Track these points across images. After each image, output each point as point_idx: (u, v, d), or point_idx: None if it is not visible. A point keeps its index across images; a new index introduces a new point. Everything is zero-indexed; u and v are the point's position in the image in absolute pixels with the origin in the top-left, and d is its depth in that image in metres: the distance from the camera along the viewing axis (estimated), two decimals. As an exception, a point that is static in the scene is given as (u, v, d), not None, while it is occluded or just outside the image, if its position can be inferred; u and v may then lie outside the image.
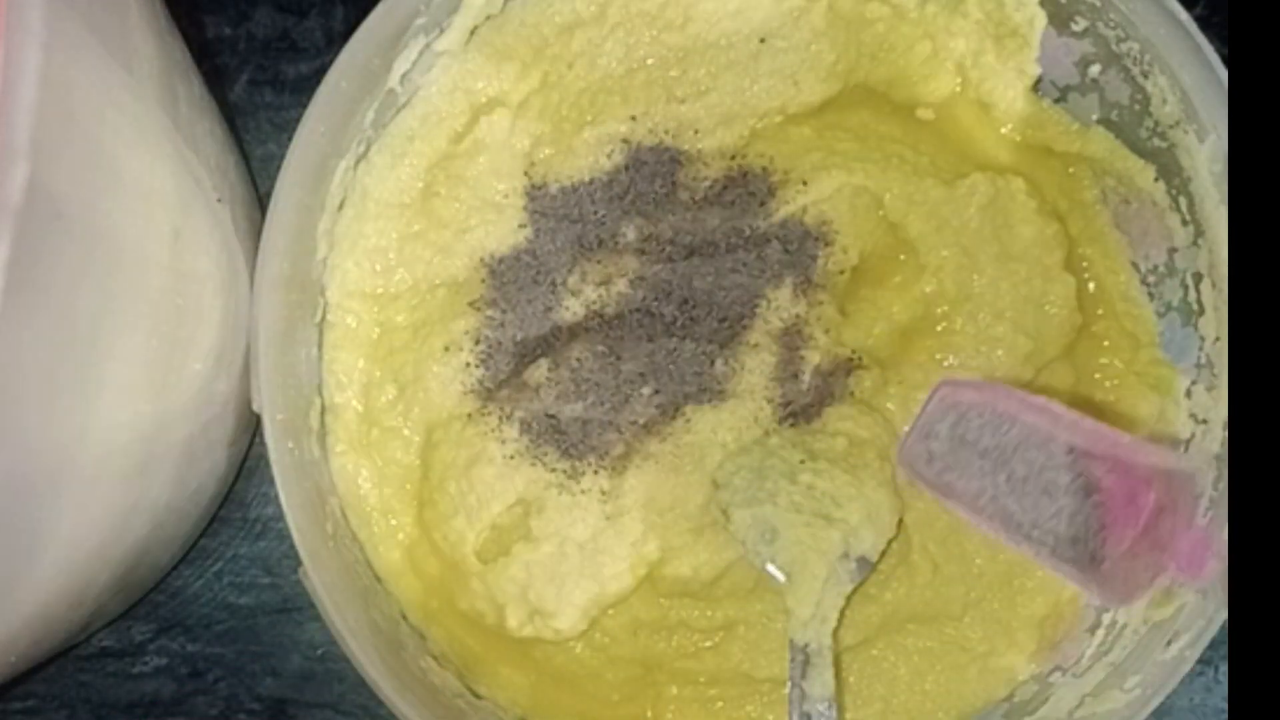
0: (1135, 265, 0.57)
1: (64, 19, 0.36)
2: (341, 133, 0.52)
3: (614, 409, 0.54)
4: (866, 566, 0.53)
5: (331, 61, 0.50)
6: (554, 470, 0.54)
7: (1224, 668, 0.61)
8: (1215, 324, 0.53)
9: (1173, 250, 0.55)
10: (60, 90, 0.36)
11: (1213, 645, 0.49)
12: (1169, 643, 0.50)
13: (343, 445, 0.55)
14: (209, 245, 0.49)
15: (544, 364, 0.54)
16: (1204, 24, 0.49)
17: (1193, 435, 0.54)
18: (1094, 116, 0.56)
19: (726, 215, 0.55)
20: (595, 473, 0.54)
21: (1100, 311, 0.57)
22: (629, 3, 0.55)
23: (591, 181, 0.55)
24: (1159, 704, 0.50)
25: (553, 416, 0.54)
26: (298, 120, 0.50)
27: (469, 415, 0.54)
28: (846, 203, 0.55)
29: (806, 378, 0.54)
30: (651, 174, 0.55)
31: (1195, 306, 0.54)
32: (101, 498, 0.44)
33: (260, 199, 0.59)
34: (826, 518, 0.52)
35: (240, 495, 0.61)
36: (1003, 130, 0.57)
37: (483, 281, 0.55)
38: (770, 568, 0.52)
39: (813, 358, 0.54)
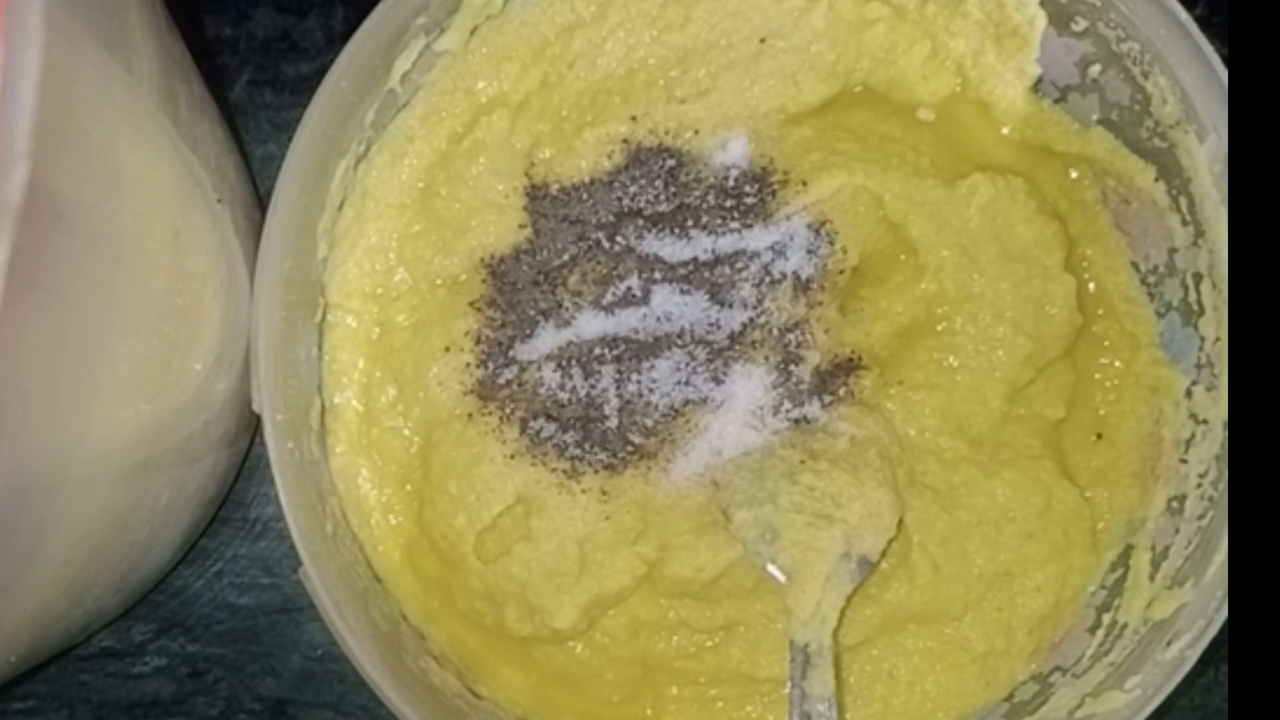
0: (1135, 265, 0.56)
1: (64, 19, 0.36)
2: (341, 133, 0.52)
3: (613, 409, 0.54)
4: (867, 566, 0.53)
5: (331, 61, 0.50)
6: (554, 470, 0.54)
7: (1224, 668, 0.61)
8: (1215, 324, 0.53)
9: (1173, 250, 0.55)
10: (60, 90, 0.36)
11: (1213, 645, 0.49)
12: (1169, 643, 0.50)
13: (343, 445, 0.55)
14: (209, 245, 0.49)
15: (544, 364, 0.54)
16: (1204, 24, 0.49)
17: (1193, 435, 0.54)
18: (1094, 116, 0.55)
19: (726, 216, 0.55)
20: (595, 472, 0.54)
21: (1100, 311, 0.57)
22: (629, 3, 0.55)
23: (591, 182, 0.55)
24: (1159, 704, 0.50)
25: (553, 417, 0.54)
26: (298, 120, 0.50)
27: (469, 415, 0.54)
28: (847, 203, 0.55)
29: (806, 378, 0.54)
30: (651, 174, 0.55)
31: (1195, 307, 0.54)
32: (101, 498, 0.44)
33: (260, 199, 0.59)
34: (827, 518, 0.52)
35: (240, 495, 0.61)
36: (1003, 130, 0.57)
37: (483, 281, 0.55)
38: (771, 568, 0.52)
39: (813, 358, 0.54)
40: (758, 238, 0.55)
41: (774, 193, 0.55)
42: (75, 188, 0.37)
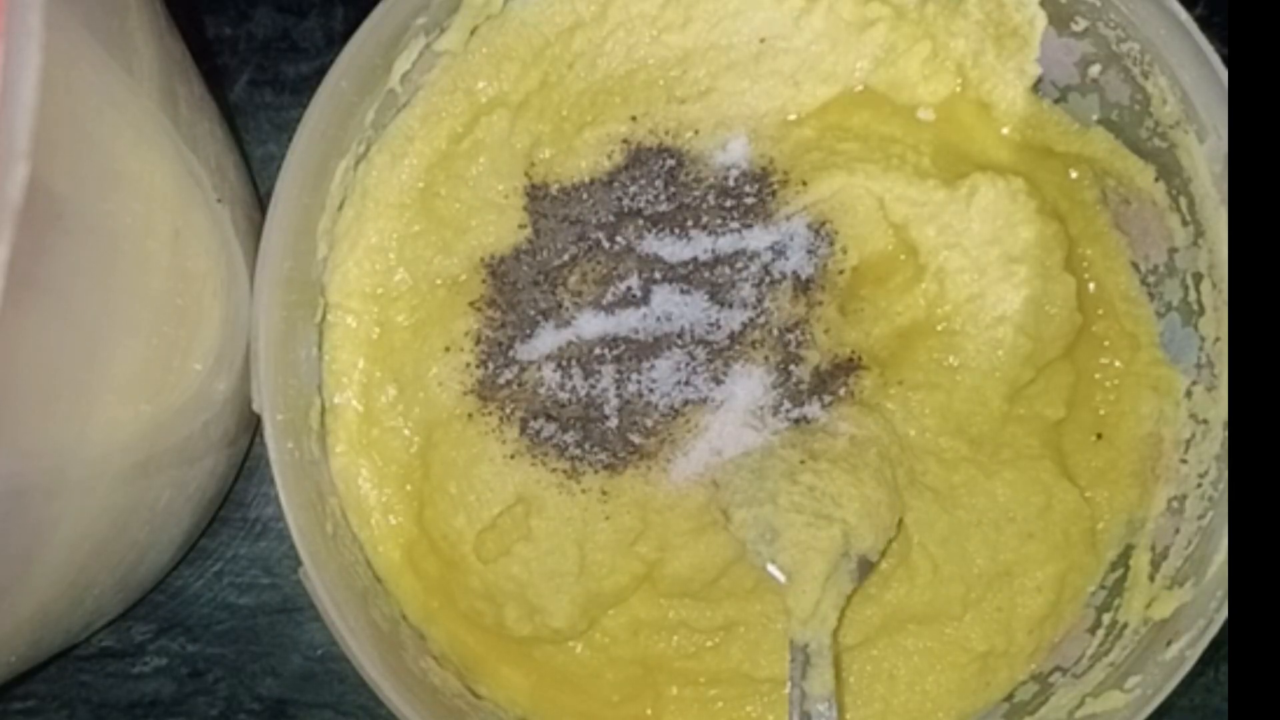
0: (1135, 265, 0.56)
1: (64, 19, 0.36)
2: (341, 133, 0.52)
3: (613, 409, 0.54)
4: (867, 566, 0.53)
5: (331, 61, 0.50)
6: (554, 470, 0.54)
7: (1224, 668, 0.61)
8: (1215, 324, 0.53)
9: (1173, 250, 0.55)
10: (60, 90, 0.36)
11: (1213, 645, 0.49)
12: (1169, 643, 0.50)
13: (343, 445, 0.55)
14: (209, 245, 0.49)
15: (544, 364, 0.54)
16: (1204, 24, 0.49)
17: (1193, 435, 0.54)
18: (1094, 117, 0.55)
19: (726, 216, 0.55)
20: (595, 472, 0.54)
21: (1100, 311, 0.57)
22: (629, 3, 0.55)
23: (591, 181, 0.55)
24: (1159, 704, 0.50)
25: (553, 417, 0.54)
26: (298, 120, 0.50)
27: (469, 415, 0.54)
28: (847, 203, 0.55)
29: (806, 378, 0.54)
30: (651, 174, 0.55)
31: (1195, 307, 0.54)
32: (101, 498, 0.44)
33: (260, 199, 0.59)
34: (827, 518, 0.52)
35: (240, 495, 0.61)
36: (1003, 131, 0.57)
37: (483, 281, 0.55)
38: (771, 568, 0.52)
39: (813, 358, 0.54)
40: (758, 238, 0.55)
41: (774, 193, 0.55)
42: (75, 188, 0.37)
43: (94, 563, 0.47)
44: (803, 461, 0.53)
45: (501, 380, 0.55)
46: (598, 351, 0.54)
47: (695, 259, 0.55)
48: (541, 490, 0.54)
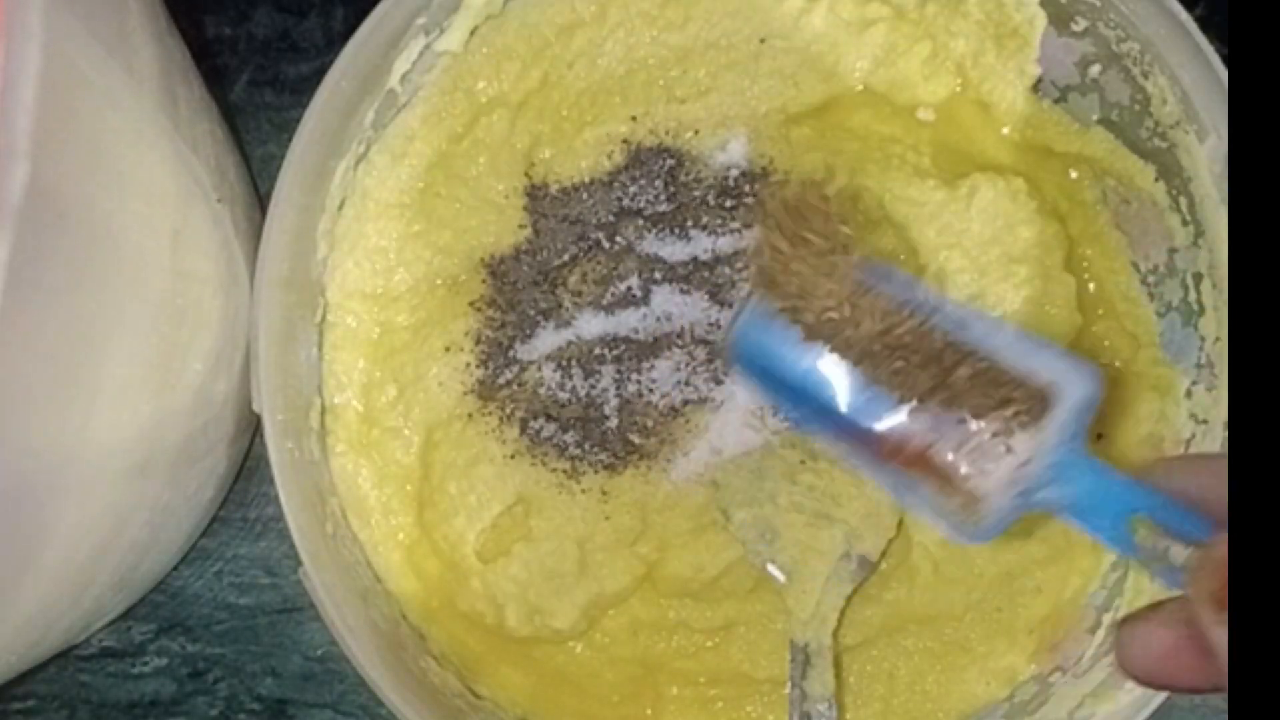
0: (1135, 265, 0.56)
1: (64, 19, 0.36)
2: (341, 133, 0.52)
3: (613, 409, 0.54)
4: (867, 566, 0.53)
5: (331, 61, 0.50)
6: (554, 470, 0.54)
7: (1224, 668, 0.61)
8: (1215, 324, 0.53)
9: (1173, 250, 0.55)
10: (60, 90, 0.36)
11: (1213, 645, 0.49)
12: (1169, 643, 0.50)
13: (343, 445, 0.55)
14: (209, 245, 0.49)
15: (544, 364, 0.54)
16: (1204, 24, 0.49)
17: (1193, 435, 0.54)
18: (1094, 116, 0.55)
19: (726, 216, 0.55)
20: (595, 472, 0.54)
21: (1100, 311, 0.57)
22: (629, 3, 0.55)
23: (591, 181, 0.55)
24: (1159, 704, 0.50)
25: (553, 417, 0.54)
26: (298, 120, 0.50)
27: (469, 415, 0.54)
28: (847, 203, 0.55)
29: (806, 378, 0.54)
30: (651, 174, 0.55)
31: (1195, 307, 0.54)
32: (101, 498, 0.44)
33: (260, 199, 0.59)
34: (827, 518, 0.52)
35: (240, 495, 0.61)
36: (1003, 130, 0.57)
37: (483, 281, 0.55)
38: (770, 568, 0.52)
39: (813, 358, 0.54)
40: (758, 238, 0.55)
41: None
42: (75, 188, 0.37)
43: (94, 563, 0.47)
44: (803, 461, 0.53)
45: (501, 380, 0.55)
46: (598, 351, 0.54)
47: (695, 259, 0.55)
48: (541, 490, 0.54)
